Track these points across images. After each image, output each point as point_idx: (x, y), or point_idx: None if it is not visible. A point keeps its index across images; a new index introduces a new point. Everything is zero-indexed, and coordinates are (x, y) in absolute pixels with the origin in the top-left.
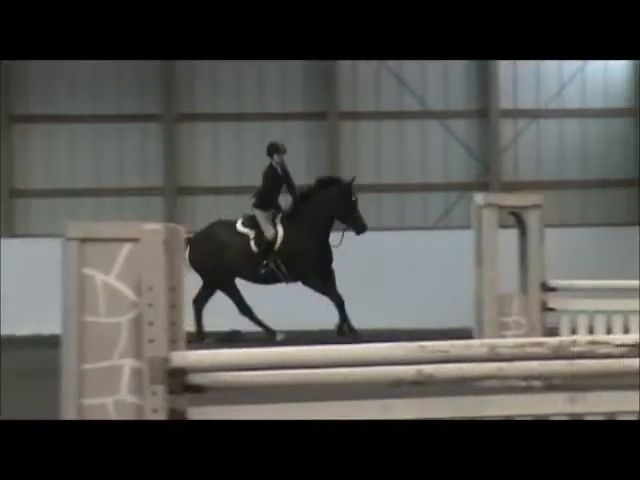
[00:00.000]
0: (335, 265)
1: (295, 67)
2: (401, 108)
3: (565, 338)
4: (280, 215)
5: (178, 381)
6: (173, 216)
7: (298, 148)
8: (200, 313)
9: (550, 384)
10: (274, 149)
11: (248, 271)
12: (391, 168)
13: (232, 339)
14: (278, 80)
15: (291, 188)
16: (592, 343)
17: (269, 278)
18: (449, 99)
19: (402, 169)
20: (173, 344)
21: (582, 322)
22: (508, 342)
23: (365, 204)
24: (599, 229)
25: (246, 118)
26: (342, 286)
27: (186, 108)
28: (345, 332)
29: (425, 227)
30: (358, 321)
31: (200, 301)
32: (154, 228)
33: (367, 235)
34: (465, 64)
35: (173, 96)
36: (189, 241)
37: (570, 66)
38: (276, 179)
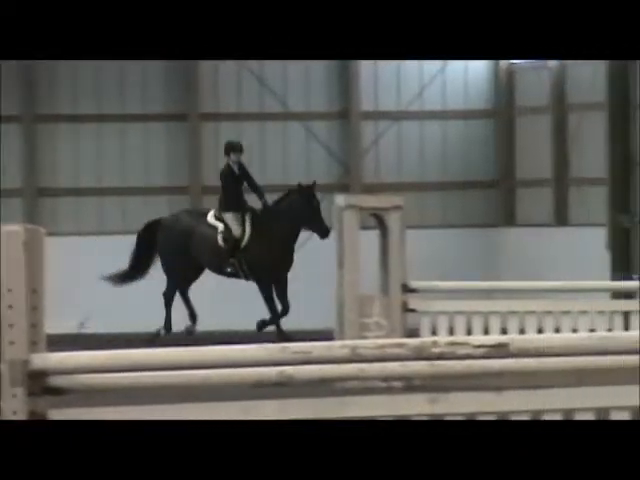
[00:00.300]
0: None
1: (155, 67)
2: (262, 109)
3: (426, 339)
4: (251, 216)
5: (38, 383)
6: (32, 217)
7: (158, 150)
8: (170, 306)
9: (411, 385)
10: (230, 148)
11: (214, 264)
12: (252, 169)
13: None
14: (138, 81)
15: (253, 187)
16: (452, 344)
17: (232, 274)
18: (310, 100)
19: (264, 170)
20: (34, 346)
21: (442, 323)
22: (369, 343)
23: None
24: (459, 230)
25: (106, 119)
26: (207, 287)
27: (46, 109)
28: (262, 329)
29: None
30: (221, 323)
31: (169, 294)
32: (14, 229)
33: None
34: (326, 65)
35: (31, 97)
36: (159, 226)
37: (430, 67)
38: (234, 179)
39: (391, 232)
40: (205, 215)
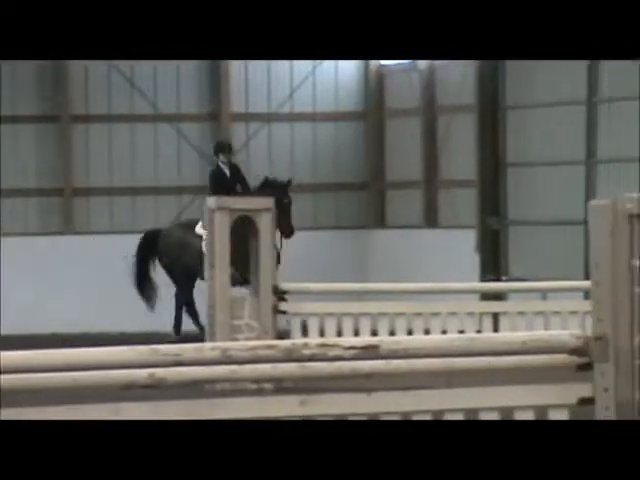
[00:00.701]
0: (64, 270)
1: (25, 69)
2: (133, 111)
3: (296, 341)
4: None
5: None
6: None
7: (29, 151)
8: (181, 310)
9: (281, 387)
10: (219, 148)
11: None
12: (123, 171)
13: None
14: (9, 82)
15: (245, 188)
16: (323, 346)
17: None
18: (181, 102)
19: (134, 172)
20: None
21: (313, 325)
22: (240, 345)
23: (97, 207)
24: (330, 232)
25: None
26: (71, 291)
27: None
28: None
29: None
30: (82, 325)
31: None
32: None
33: (99, 238)
34: (197, 66)
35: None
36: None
37: (301, 69)
38: (221, 180)
39: (261, 233)
40: (195, 225)
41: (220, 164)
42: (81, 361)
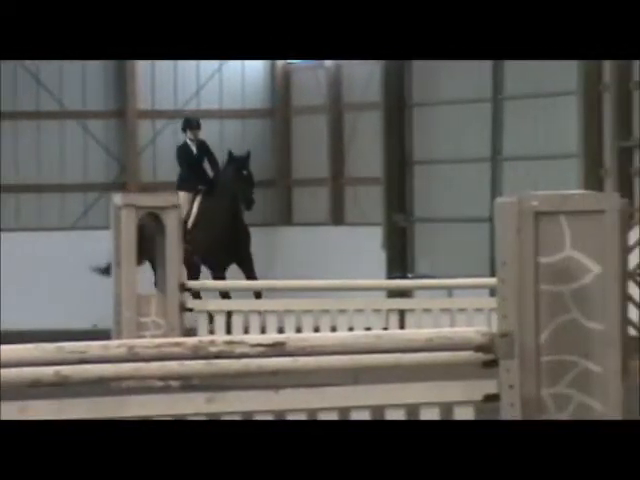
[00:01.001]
0: None
1: None
2: (39, 108)
3: (203, 338)
4: (201, 195)
5: None
6: None
7: None
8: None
9: (188, 384)
10: (186, 125)
11: None
12: (29, 168)
13: None
14: None
15: (213, 164)
16: (229, 343)
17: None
18: (87, 99)
19: (40, 169)
20: None
21: (220, 322)
22: (146, 342)
23: (3, 204)
24: None
25: None
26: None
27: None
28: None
29: (64, 228)
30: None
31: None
32: None
33: (5, 235)
34: (103, 63)
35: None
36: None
37: (207, 66)
38: (188, 157)
39: (168, 231)
40: None
41: (188, 141)
42: None
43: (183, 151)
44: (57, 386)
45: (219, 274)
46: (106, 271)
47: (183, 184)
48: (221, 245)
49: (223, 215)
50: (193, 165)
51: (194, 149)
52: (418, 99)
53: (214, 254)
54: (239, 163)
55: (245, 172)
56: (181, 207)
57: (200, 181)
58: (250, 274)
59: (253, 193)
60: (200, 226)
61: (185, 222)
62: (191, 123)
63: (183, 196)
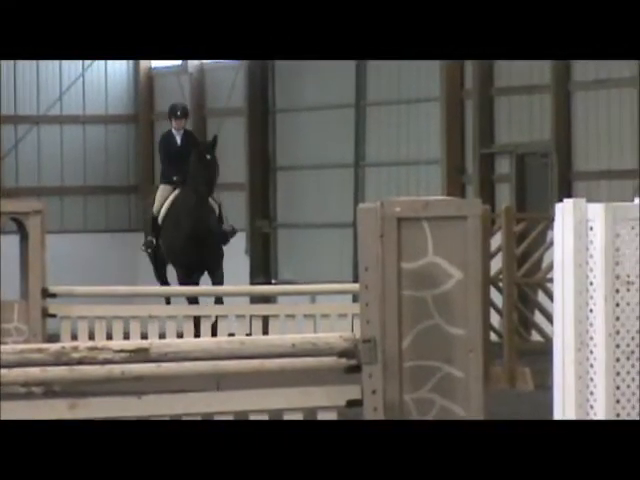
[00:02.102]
0: None
1: None
2: None
3: (66, 344)
4: (178, 188)
5: None
6: None
7: None
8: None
9: (51, 390)
10: (170, 113)
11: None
12: None
13: None
14: None
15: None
16: (93, 349)
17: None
18: None
19: None
20: None
21: (83, 328)
22: (8, 348)
23: None
24: (100, 235)
25: None
26: None
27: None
28: None
29: None
30: None
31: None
32: None
33: None
34: None
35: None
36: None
37: (70, 71)
38: (168, 147)
39: (31, 236)
40: None
41: (173, 130)
42: None
43: (163, 141)
44: None
45: (182, 277)
46: (151, 245)
47: (161, 177)
48: (186, 243)
49: (187, 206)
50: (173, 157)
51: (178, 139)
52: (282, 105)
53: (177, 253)
54: (202, 148)
55: (209, 157)
56: (156, 201)
57: (178, 173)
58: (214, 279)
59: (216, 178)
60: (167, 221)
61: (155, 218)
62: (174, 111)
63: (162, 189)
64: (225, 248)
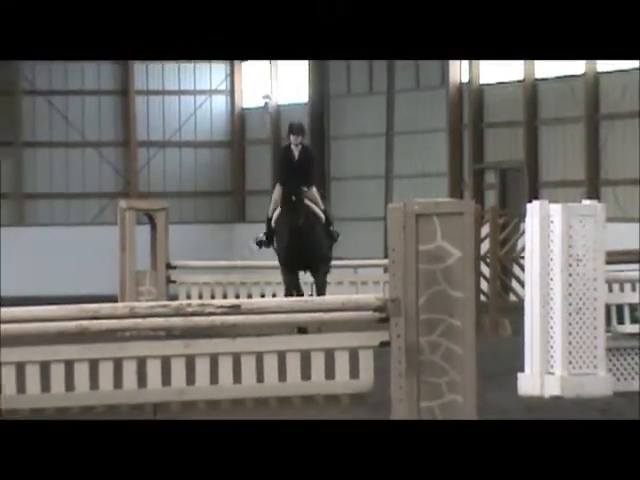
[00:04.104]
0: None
1: None
2: (67, 139)
3: (182, 302)
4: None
5: None
6: None
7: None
8: None
9: (172, 334)
10: (288, 130)
11: None
12: (61, 182)
13: None
14: None
15: (307, 172)
16: (201, 305)
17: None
18: (102, 131)
19: (67, 185)
20: None
21: (194, 290)
22: (142, 305)
23: (38, 207)
24: (206, 225)
25: None
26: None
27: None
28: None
29: (85, 223)
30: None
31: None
32: None
33: (45, 229)
34: (113, 104)
35: None
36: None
37: (187, 107)
38: (285, 161)
39: (158, 226)
40: None
41: (291, 146)
42: (32, 316)
43: (282, 153)
44: (79, 335)
45: (286, 275)
46: (262, 243)
47: (278, 181)
48: (287, 246)
49: (284, 212)
50: (284, 168)
51: (295, 153)
52: (334, 133)
53: (280, 253)
54: (291, 158)
55: (296, 161)
56: (272, 202)
57: (285, 188)
58: (316, 280)
59: (303, 185)
60: (277, 223)
61: (269, 218)
62: (292, 128)
63: (277, 190)
64: None
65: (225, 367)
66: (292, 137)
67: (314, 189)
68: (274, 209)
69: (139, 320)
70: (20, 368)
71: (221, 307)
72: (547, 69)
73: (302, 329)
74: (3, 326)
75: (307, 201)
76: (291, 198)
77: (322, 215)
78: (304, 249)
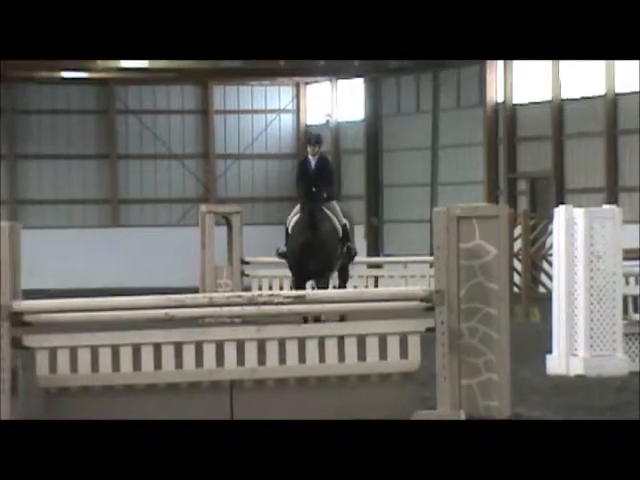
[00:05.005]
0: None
1: (86, 119)
2: (156, 151)
3: (255, 292)
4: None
5: (17, 319)
6: None
7: (85, 181)
8: None
9: (246, 320)
10: (305, 140)
11: None
12: (149, 188)
13: None
14: (77, 127)
15: (327, 181)
16: (271, 296)
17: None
18: (185, 145)
19: (156, 190)
20: (14, 296)
21: (265, 283)
22: (220, 295)
23: (130, 209)
24: (277, 227)
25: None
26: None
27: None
28: None
29: (171, 225)
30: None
31: None
32: (3, 224)
33: (136, 230)
34: (195, 121)
35: None
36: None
37: (259, 124)
38: (302, 171)
39: (234, 227)
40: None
41: (309, 157)
42: (124, 304)
43: (299, 166)
44: (166, 322)
45: (294, 282)
46: (281, 255)
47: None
48: (295, 255)
49: (301, 224)
50: (307, 179)
51: (312, 163)
52: (387, 146)
53: (290, 262)
54: (307, 169)
55: (311, 173)
56: (291, 214)
57: (302, 200)
58: (318, 286)
59: (320, 198)
60: (292, 233)
61: (287, 228)
62: (309, 138)
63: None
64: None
65: (292, 349)
66: (309, 147)
67: (335, 202)
68: (293, 216)
69: (217, 309)
70: (115, 350)
71: (288, 297)
72: (572, 90)
73: (316, 318)
74: (100, 314)
75: (327, 212)
76: (304, 209)
77: (340, 229)
78: (311, 262)
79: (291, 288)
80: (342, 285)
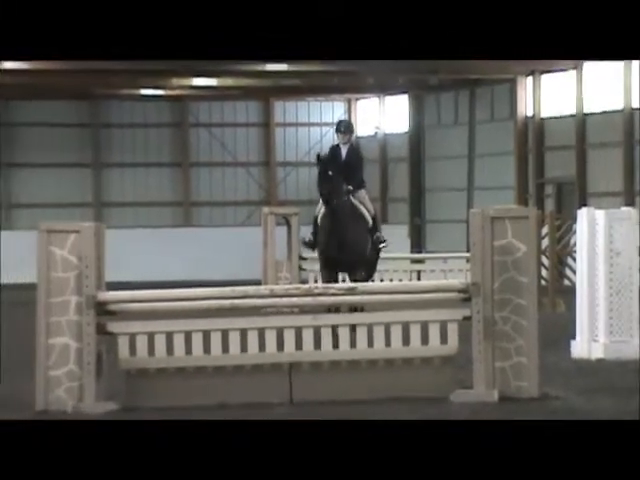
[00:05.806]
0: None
1: (159, 132)
2: (223, 159)
3: (311, 285)
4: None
5: (101, 308)
6: None
7: (154, 186)
8: None
9: (303, 310)
10: (335, 129)
11: None
12: (218, 191)
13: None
14: (143, 140)
15: (356, 171)
16: (325, 288)
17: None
18: (249, 154)
19: (223, 194)
20: (99, 288)
21: (320, 276)
22: (280, 287)
23: (203, 212)
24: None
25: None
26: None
27: None
28: None
29: (237, 225)
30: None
31: None
32: (89, 225)
33: (206, 230)
34: (258, 132)
35: None
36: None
37: (315, 136)
38: (326, 159)
39: (293, 228)
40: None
41: (340, 145)
42: (195, 295)
43: (329, 154)
44: (232, 311)
45: (324, 273)
46: (308, 244)
47: (320, 186)
48: (325, 246)
49: (328, 215)
50: (336, 168)
51: (343, 152)
52: (429, 154)
53: (319, 253)
54: (326, 163)
55: (330, 172)
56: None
57: (325, 189)
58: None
59: (340, 188)
60: (320, 225)
61: (315, 217)
62: (339, 127)
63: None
64: (396, 234)
65: (344, 335)
66: (339, 135)
67: (363, 192)
68: (320, 208)
69: (278, 299)
70: (187, 335)
71: (341, 289)
72: (593, 105)
73: (353, 308)
74: (174, 303)
75: (355, 201)
76: (332, 197)
77: (369, 219)
78: (341, 249)
79: (316, 280)
80: (367, 278)
